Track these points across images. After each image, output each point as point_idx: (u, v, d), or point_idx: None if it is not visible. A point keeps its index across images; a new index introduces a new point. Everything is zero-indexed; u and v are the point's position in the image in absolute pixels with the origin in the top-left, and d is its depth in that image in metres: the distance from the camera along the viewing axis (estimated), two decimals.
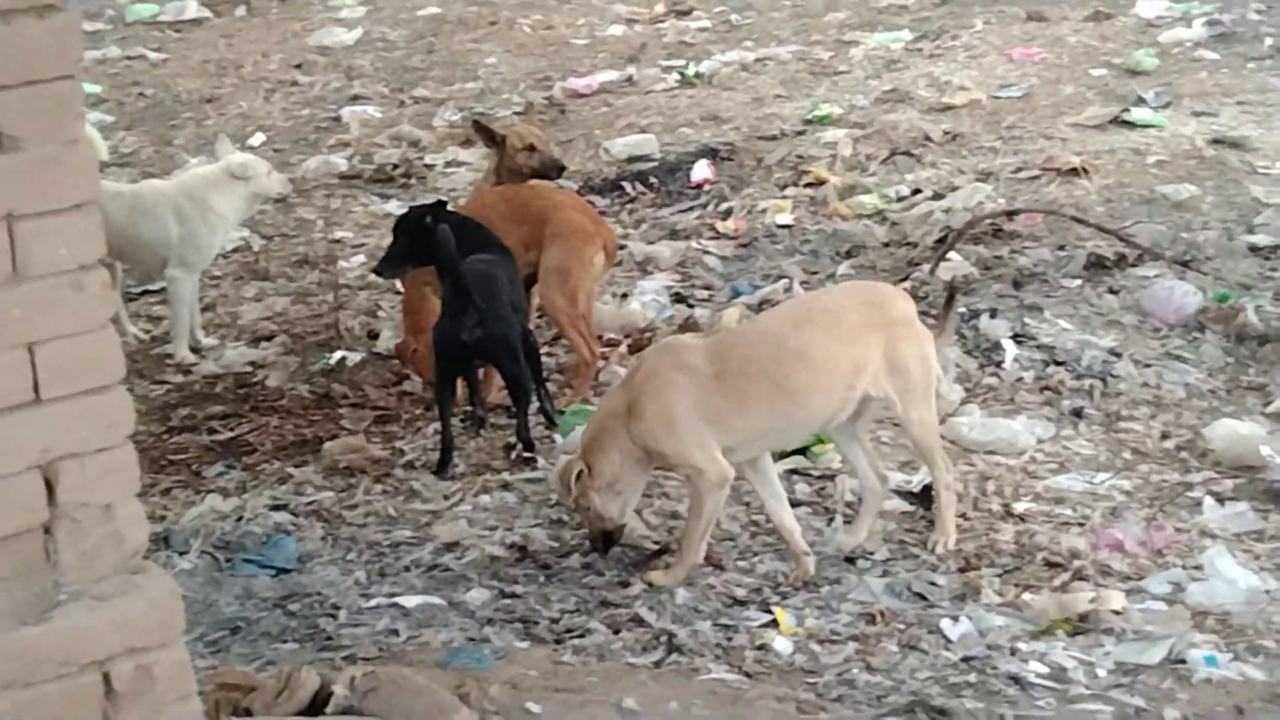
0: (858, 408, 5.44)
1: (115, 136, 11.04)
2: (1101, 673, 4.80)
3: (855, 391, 5.33)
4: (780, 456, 6.11)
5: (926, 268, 7.73)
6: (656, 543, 5.59)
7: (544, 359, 6.98)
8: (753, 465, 5.43)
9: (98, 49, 13.12)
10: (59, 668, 3.38)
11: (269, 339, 7.87)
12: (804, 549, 5.38)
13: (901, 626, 5.04)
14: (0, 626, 3.35)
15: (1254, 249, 7.83)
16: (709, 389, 5.20)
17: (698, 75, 11.45)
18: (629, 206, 9.24)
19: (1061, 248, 7.93)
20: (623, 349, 7.28)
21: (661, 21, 13.17)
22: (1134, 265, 7.68)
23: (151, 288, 8.53)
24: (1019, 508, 5.78)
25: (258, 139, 11.06)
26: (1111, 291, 7.46)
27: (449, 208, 6.92)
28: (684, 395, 5.20)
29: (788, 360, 5.24)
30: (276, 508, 6.00)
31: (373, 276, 7.70)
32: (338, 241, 8.98)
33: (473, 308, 6.20)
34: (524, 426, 6.39)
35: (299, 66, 12.78)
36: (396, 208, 9.60)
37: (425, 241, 6.42)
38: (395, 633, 5.01)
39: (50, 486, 3.45)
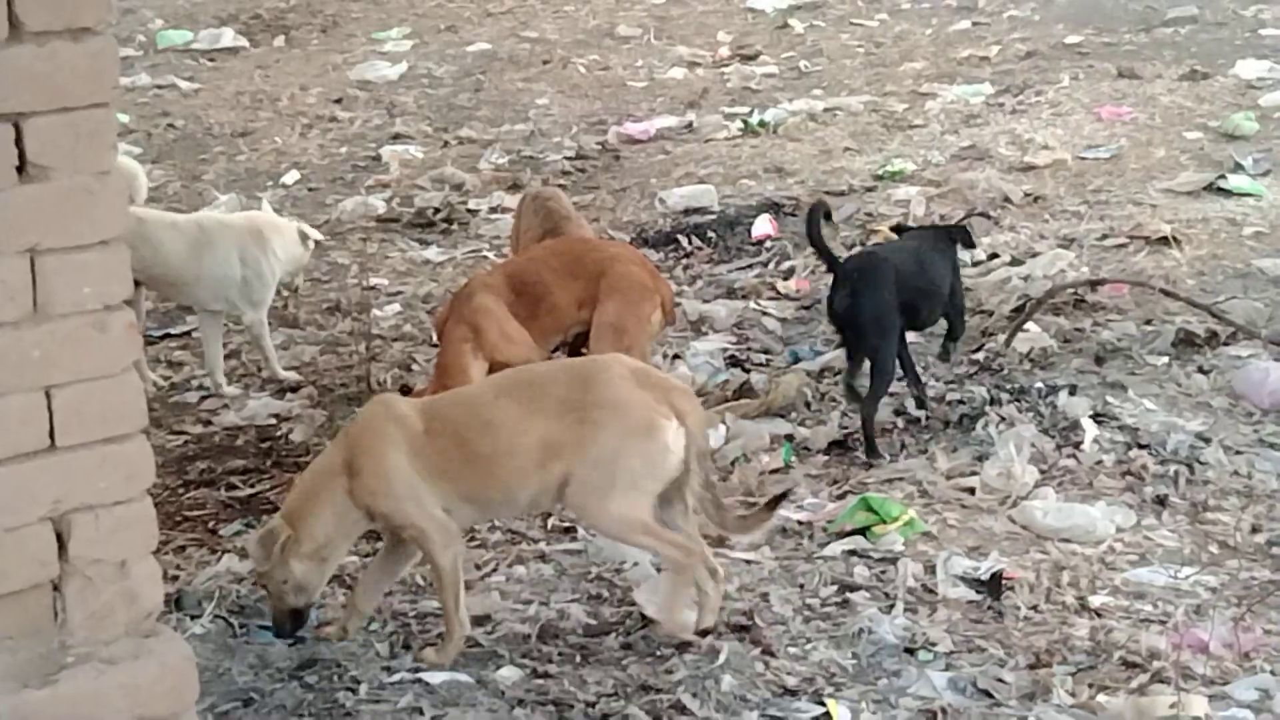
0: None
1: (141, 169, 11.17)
2: None
3: (551, 472, 5.34)
4: (838, 536, 6.09)
5: (1002, 338, 7.71)
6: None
7: None
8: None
9: (126, 76, 13.33)
10: None
11: (295, 390, 7.92)
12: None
13: None
14: (2, 689, 3.37)
15: None
16: (421, 445, 5.32)
17: (762, 124, 11.52)
18: (684, 262, 9.27)
19: (1148, 322, 7.91)
20: None
21: (725, 66, 13.26)
22: (1226, 344, 7.64)
23: (173, 331, 8.59)
24: (1095, 601, 5.72)
25: (291, 177, 11.19)
26: (1201, 371, 7.42)
27: None
28: (398, 449, 5.31)
29: (475, 427, 5.37)
30: None
31: (408, 327, 7.72)
32: (372, 289, 9.04)
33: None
34: None
35: (338, 101, 12.93)
36: (436, 254, 9.68)
37: None
38: (419, 711, 5.00)
39: (61, 540, 3.48)
